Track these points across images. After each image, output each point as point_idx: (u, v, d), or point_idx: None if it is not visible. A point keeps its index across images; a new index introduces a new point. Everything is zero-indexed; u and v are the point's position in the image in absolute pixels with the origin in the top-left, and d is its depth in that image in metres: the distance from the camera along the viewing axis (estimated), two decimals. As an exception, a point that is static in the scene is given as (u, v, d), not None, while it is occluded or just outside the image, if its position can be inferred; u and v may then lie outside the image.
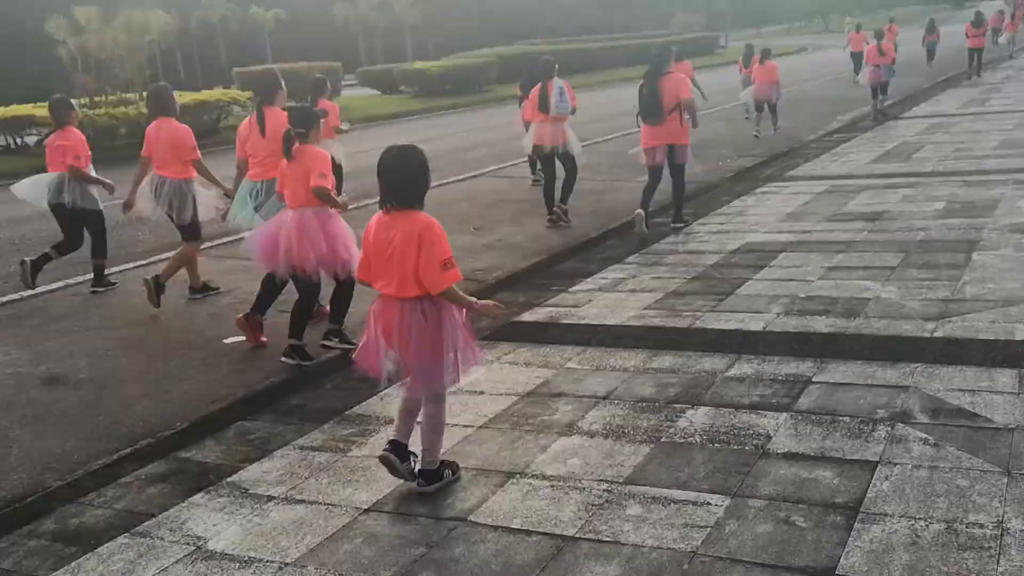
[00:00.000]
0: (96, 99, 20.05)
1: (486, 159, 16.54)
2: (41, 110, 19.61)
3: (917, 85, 25.57)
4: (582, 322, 6.80)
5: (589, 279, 8.05)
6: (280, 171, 6.15)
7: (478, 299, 4.25)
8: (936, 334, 5.82)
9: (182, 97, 21.49)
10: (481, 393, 5.53)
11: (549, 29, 64.95)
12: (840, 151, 14.73)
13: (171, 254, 8.61)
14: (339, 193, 6.34)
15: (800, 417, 4.78)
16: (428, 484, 4.28)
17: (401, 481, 4.35)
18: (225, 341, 7.02)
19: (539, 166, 11.27)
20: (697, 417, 4.91)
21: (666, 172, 9.81)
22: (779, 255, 8.20)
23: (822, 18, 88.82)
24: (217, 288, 8.44)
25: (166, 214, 7.99)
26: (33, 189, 8.59)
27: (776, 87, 17.34)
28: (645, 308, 6.98)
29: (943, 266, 7.34)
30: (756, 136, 17.01)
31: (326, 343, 6.38)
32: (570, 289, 7.77)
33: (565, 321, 6.88)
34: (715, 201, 11.29)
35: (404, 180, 4.01)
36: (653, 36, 55.94)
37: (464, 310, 4.13)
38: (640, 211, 9.55)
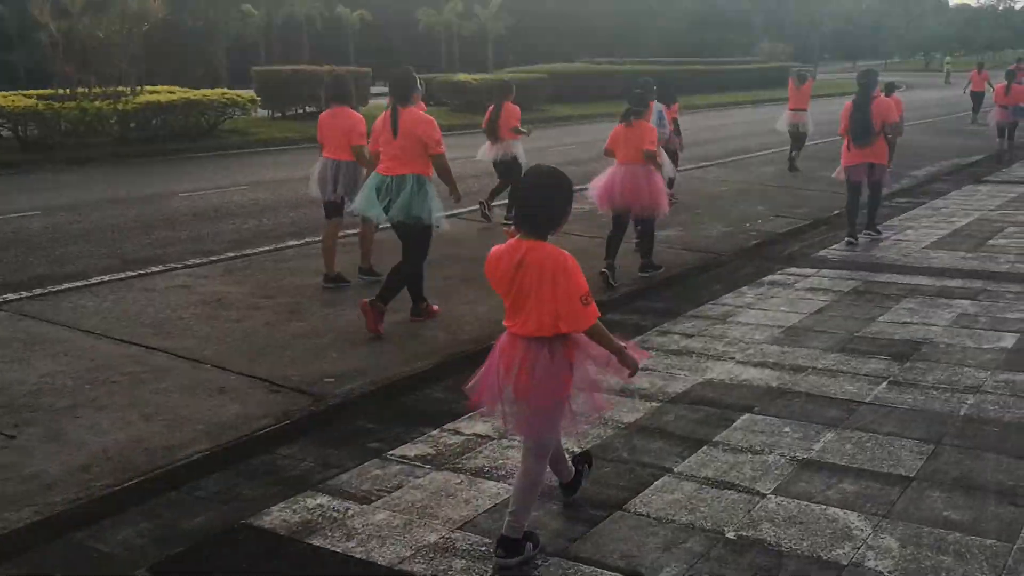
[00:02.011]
0: (79, 91, 17.81)
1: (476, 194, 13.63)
2: (12, 100, 17.38)
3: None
4: (341, 547, 3.87)
5: (433, 433, 5.10)
6: (614, 135, 8.18)
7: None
8: None
9: (165, 94, 19.33)
10: None
11: (640, 48, 61.93)
12: (896, 224, 11.44)
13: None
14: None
15: None
16: (508, 556, 3.66)
17: None
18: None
19: None
20: None
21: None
22: (739, 418, 5.15)
23: (923, 56, 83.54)
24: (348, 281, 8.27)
25: (332, 194, 8.05)
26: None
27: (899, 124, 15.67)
28: (459, 527, 4.02)
29: (991, 491, 4.21)
30: None
31: (643, 273, 8.43)
32: (389, 454, 4.83)
33: (317, 539, 3.94)
34: (701, 292, 8.20)
35: (543, 209, 3.58)
36: (733, 63, 52.37)
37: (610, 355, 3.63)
38: (850, 239, 10.08)
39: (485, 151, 11.35)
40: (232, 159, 18.36)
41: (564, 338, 3.58)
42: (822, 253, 9.74)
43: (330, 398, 5.67)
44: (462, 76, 28.07)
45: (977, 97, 26.23)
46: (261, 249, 9.84)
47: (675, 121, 12.34)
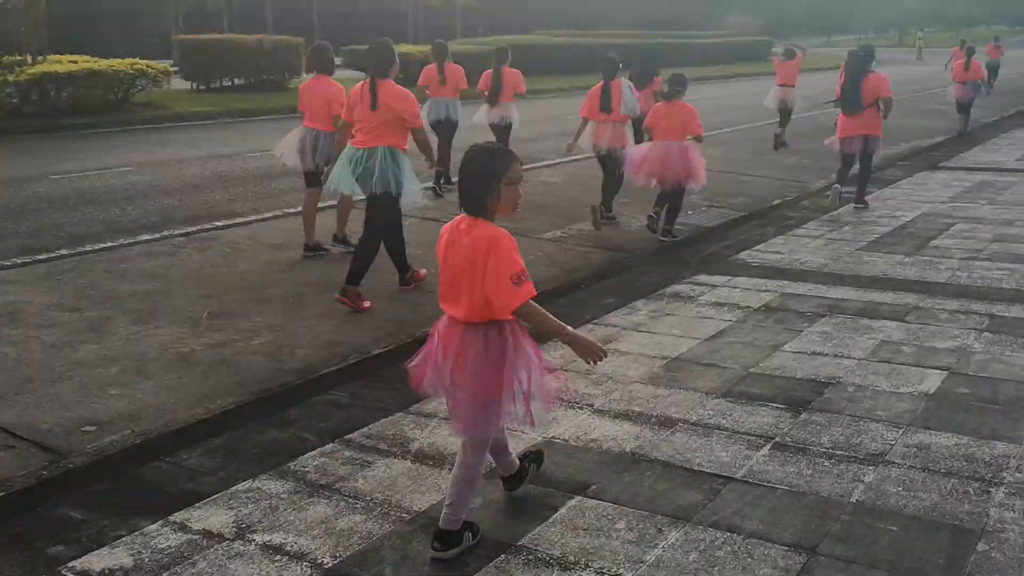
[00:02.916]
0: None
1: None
2: None
3: (979, 118, 20.68)
4: None
5: (150, 528, 3.80)
6: (654, 113, 8.84)
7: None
8: None
9: (66, 64, 17.74)
10: None
11: (612, 20, 60.45)
12: (836, 217, 10.21)
13: None
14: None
15: None
16: (445, 548, 3.46)
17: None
18: None
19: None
20: None
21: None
22: (566, 504, 3.89)
23: (896, 31, 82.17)
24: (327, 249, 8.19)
25: (314, 163, 7.88)
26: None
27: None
28: None
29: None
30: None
31: (663, 238, 8.86)
32: (66, 567, 3.52)
33: None
34: (589, 306, 6.93)
35: (472, 184, 3.33)
36: (700, 36, 50.87)
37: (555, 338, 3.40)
38: (837, 186, 10.57)
39: (482, 114, 11.45)
40: (139, 135, 16.78)
41: (500, 326, 3.34)
42: (743, 256, 8.49)
43: (73, 457, 4.42)
44: (402, 47, 26.48)
45: None
46: (102, 246, 8.50)
47: (656, 94, 11.86)
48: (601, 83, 9.36)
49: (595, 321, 6.52)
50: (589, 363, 3.34)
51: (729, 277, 7.65)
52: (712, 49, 45.96)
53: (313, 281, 7.37)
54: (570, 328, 3.30)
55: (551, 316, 3.29)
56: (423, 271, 7.12)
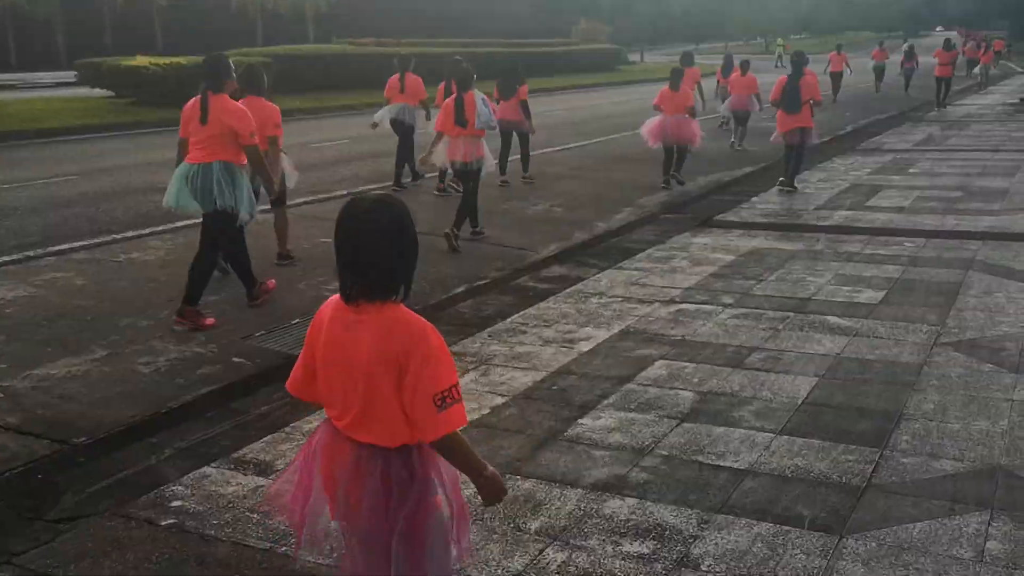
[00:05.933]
0: None
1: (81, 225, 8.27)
2: None
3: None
4: None
5: None
6: (662, 95, 12.16)
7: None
8: None
9: None
10: None
11: (469, 29, 57.29)
12: (486, 356, 6.51)
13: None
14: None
15: None
16: None
17: None
18: None
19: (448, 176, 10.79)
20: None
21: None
22: None
23: (763, 38, 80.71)
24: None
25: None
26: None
27: (754, 98, 16.58)
28: None
29: None
30: (735, 148, 16.36)
31: (677, 179, 12.38)
32: None
33: None
34: None
35: (373, 255, 2.35)
36: (535, 44, 47.42)
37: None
38: (783, 178, 12.16)
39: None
40: None
41: (407, 453, 2.41)
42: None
43: None
44: (139, 60, 22.08)
45: (835, 77, 26.43)
46: None
47: (524, 103, 12.23)
48: (454, 96, 8.78)
49: None
50: (491, 505, 2.54)
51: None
52: (567, 59, 42.67)
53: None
54: (489, 467, 2.44)
55: (474, 455, 2.41)
56: (272, 282, 6.96)
